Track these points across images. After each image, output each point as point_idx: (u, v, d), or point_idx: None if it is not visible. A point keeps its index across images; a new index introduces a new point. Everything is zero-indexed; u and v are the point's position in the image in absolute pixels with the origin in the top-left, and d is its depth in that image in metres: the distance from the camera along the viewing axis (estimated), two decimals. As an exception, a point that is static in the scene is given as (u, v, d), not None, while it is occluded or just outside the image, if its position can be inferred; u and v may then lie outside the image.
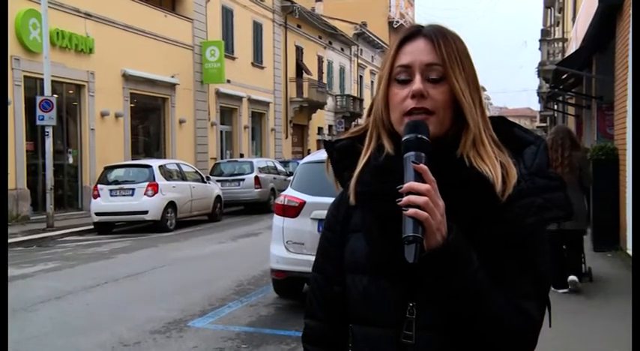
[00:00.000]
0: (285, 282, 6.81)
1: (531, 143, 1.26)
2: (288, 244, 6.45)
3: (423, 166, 1.11)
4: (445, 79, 1.21)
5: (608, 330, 5.49)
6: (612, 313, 6.00)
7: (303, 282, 6.83)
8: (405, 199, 1.08)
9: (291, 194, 6.56)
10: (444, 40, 1.22)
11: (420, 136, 1.14)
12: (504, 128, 1.28)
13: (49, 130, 14.25)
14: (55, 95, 15.04)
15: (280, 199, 6.70)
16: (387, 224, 1.18)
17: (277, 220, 6.61)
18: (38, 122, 14.20)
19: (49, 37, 14.65)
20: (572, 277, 6.70)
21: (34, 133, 15.89)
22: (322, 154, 7.07)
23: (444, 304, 1.15)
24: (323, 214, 6.42)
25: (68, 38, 16.96)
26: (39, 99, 14.08)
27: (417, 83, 1.20)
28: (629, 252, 8.25)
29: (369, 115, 1.33)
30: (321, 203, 6.05)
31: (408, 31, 1.27)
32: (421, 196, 1.08)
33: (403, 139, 1.16)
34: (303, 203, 6.34)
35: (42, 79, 14.47)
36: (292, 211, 6.41)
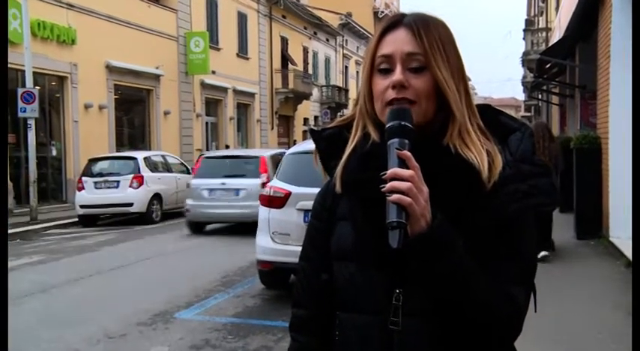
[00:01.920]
0: (271, 273, 6.81)
1: (517, 130, 1.26)
2: (274, 235, 6.44)
3: (407, 153, 1.10)
4: (427, 68, 1.20)
5: (592, 316, 5.56)
6: (596, 299, 6.08)
7: (290, 273, 6.83)
8: (388, 185, 1.08)
9: (276, 185, 6.55)
10: (425, 29, 1.21)
11: (403, 123, 1.14)
12: (490, 116, 1.28)
13: (32, 122, 14.10)
14: (37, 87, 14.87)
15: (266, 190, 6.69)
16: (372, 211, 1.18)
17: (263, 211, 6.59)
18: (20, 114, 14.04)
19: (29, 27, 14.47)
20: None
21: (17, 126, 15.71)
22: (308, 145, 7.05)
23: (430, 290, 1.15)
24: (309, 204, 6.44)
25: (50, 29, 16.75)
26: (20, 91, 13.91)
27: (397, 74, 1.19)
28: (612, 239, 8.35)
29: (356, 104, 1.32)
30: (306, 194, 6.05)
31: (390, 20, 1.26)
32: (404, 182, 1.08)
33: (386, 126, 1.16)
34: (288, 194, 6.34)
35: (23, 71, 14.30)
36: (278, 201, 6.41)
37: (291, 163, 6.72)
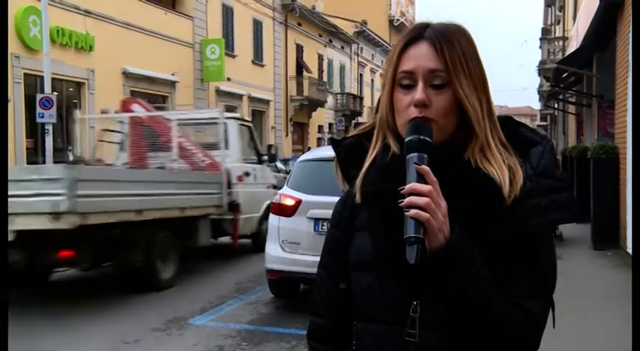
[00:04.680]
0: (280, 282, 6.71)
1: (538, 143, 1.25)
2: (283, 243, 6.33)
3: (425, 167, 1.10)
4: (449, 84, 1.19)
5: (608, 329, 5.49)
6: (612, 312, 6.01)
7: (300, 282, 6.75)
8: (406, 200, 1.08)
9: (287, 193, 6.43)
10: (447, 44, 1.20)
11: (422, 137, 1.14)
12: (510, 128, 1.28)
13: (49, 127, 14.23)
14: (55, 93, 15.00)
15: (276, 198, 6.57)
16: (391, 223, 1.19)
17: (273, 219, 6.48)
18: (38, 120, 14.18)
19: (49, 34, 14.63)
20: None
21: (34, 131, 15.87)
22: (320, 152, 7.00)
23: (447, 303, 1.15)
24: (319, 213, 6.25)
25: (68, 36, 16.95)
26: (39, 96, 14.06)
27: (420, 92, 1.18)
28: (629, 251, 8.26)
29: (376, 112, 1.32)
30: (317, 202, 5.97)
31: (411, 34, 1.24)
32: (423, 197, 1.08)
33: (406, 140, 1.16)
34: (299, 202, 6.24)
35: (42, 77, 14.44)
36: (288, 210, 6.30)
37: (302, 170, 6.58)
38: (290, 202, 6.29)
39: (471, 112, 1.20)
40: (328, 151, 7.98)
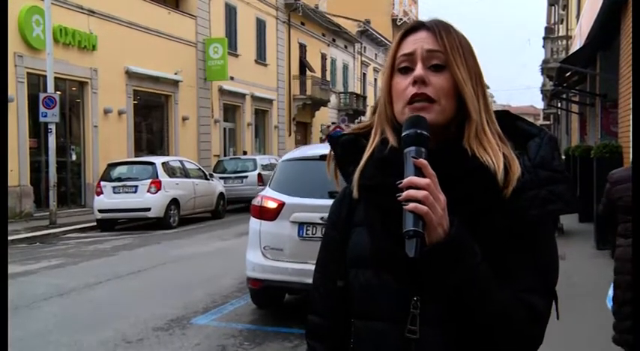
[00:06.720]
0: (263, 292, 6.21)
1: (535, 136, 1.25)
2: (265, 249, 5.85)
3: (423, 161, 1.10)
4: (447, 67, 1.20)
5: (609, 330, 5.47)
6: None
7: (284, 292, 6.40)
8: (404, 193, 1.08)
9: (268, 194, 5.93)
10: (445, 32, 1.23)
11: (419, 131, 1.14)
12: (508, 122, 1.28)
13: (52, 127, 14.27)
14: (59, 92, 15.05)
15: (257, 200, 6.03)
16: (389, 218, 1.18)
17: (254, 223, 5.99)
18: (41, 119, 14.22)
19: (52, 33, 14.66)
20: None
21: (38, 130, 15.91)
22: (304, 151, 6.67)
23: (448, 298, 1.14)
24: (303, 216, 5.96)
25: (71, 35, 16.98)
26: (42, 96, 14.10)
27: (419, 69, 1.20)
28: (633, 250, 8.22)
29: (373, 112, 1.32)
30: (301, 205, 5.53)
31: (411, 25, 1.28)
32: (421, 190, 1.07)
33: (403, 134, 1.15)
34: (281, 205, 5.73)
35: (45, 76, 14.48)
36: (270, 213, 5.79)
37: (285, 170, 6.09)
38: (272, 205, 5.79)
39: (467, 95, 1.21)
40: (313, 150, 7.70)
